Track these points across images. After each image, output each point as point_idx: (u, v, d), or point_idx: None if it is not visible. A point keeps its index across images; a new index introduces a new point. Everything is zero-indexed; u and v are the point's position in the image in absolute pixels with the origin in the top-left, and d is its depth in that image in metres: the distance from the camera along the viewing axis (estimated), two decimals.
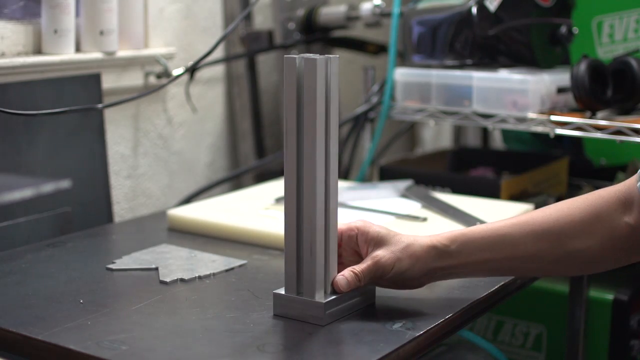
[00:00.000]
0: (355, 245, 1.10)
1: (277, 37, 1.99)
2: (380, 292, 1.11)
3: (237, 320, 1.04)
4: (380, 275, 1.06)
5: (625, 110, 1.56)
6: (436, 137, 2.54)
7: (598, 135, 1.53)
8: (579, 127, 1.54)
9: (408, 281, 1.08)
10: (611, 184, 1.64)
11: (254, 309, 1.07)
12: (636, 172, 1.10)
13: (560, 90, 1.65)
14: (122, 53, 1.63)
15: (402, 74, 1.79)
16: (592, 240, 1.09)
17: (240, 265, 1.25)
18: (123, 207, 1.72)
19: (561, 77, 1.65)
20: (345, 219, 1.37)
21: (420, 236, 1.09)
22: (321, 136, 1.00)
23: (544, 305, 1.69)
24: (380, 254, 1.06)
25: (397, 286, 1.09)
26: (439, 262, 1.07)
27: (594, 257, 1.10)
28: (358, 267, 1.06)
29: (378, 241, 1.08)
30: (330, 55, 1.01)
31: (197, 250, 1.31)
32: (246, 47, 1.94)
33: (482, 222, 1.39)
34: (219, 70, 1.95)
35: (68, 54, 1.51)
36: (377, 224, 1.10)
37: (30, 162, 1.47)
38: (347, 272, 1.06)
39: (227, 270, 1.22)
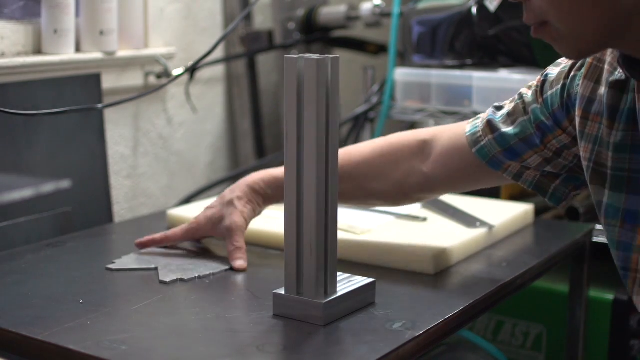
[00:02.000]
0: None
1: (277, 37, 1.99)
2: (380, 292, 1.11)
3: (237, 320, 1.04)
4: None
5: None
6: None
7: None
8: None
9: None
10: None
11: (254, 309, 1.07)
12: None
13: None
14: (122, 53, 1.63)
15: (402, 74, 1.79)
16: (387, 184, 1.23)
17: None
18: (123, 207, 1.72)
19: None
20: (345, 219, 1.38)
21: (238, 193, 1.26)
22: (321, 136, 1.00)
23: (544, 305, 1.69)
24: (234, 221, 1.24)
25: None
26: (263, 205, 1.28)
27: (388, 197, 1.25)
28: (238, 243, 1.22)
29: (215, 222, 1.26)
30: (331, 55, 1.01)
31: (197, 250, 1.31)
32: (246, 47, 1.94)
33: (482, 222, 1.40)
34: (219, 70, 1.95)
35: (68, 54, 1.51)
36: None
37: (30, 162, 1.47)
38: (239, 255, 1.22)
39: (226, 270, 1.22)
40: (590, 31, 0.87)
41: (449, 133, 1.19)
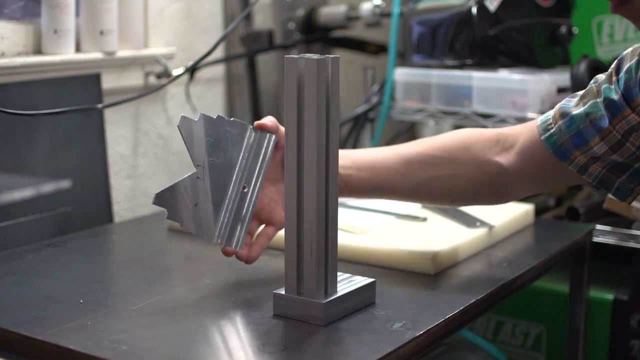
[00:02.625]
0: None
1: (277, 37, 1.99)
2: (380, 292, 1.11)
3: (237, 320, 1.04)
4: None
5: None
6: None
7: None
8: None
9: None
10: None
11: (254, 309, 1.07)
12: None
13: (560, 90, 1.65)
14: (122, 53, 1.63)
15: (402, 74, 1.79)
16: (458, 169, 1.18)
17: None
18: (123, 207, 1.72)
19: (561, 77, 1.65)
20: (346, 219, 1.37)
21: None
22: (321, 136, 1.00)
23: (544, 305, 1.69)
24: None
25: None
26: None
27: (459, 186, 1.19)
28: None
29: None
30: (331, 55, 1.01)
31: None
32: (246, 47, 1.94)
33: (482, 222, 1.40)
34: (219, 70, 1.95)
35: (68, 54, 1.51)
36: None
37: (30, 162, 1.47)
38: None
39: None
40: None
41: (529, 127, 1.17)
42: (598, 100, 1.09)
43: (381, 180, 1.19)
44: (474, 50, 1.70)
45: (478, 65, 1.71)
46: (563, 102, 1.15)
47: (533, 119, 1.58)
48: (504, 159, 1.17)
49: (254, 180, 1.12)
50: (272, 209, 1.17)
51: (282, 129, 1.12)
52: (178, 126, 1.07)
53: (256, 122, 1.13)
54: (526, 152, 1.15)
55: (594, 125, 1.09)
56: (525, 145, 1.15)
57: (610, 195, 1.57)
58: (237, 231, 1.11)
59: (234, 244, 1.11)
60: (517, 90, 1.62)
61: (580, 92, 1.14)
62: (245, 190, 1.11)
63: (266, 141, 1.13)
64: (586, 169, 1.12)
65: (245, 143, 1.12)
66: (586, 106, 1.10)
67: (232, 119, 1.11)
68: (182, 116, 1.07)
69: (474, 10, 1.67)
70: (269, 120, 1.14)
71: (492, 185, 1.18)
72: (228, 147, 1.11)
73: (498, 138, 1.18)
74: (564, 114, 1.12)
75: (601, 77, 1.12)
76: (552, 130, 1.12)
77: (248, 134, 1.12)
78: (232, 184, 1.10)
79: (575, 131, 1.10)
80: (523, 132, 1.17)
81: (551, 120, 1.13)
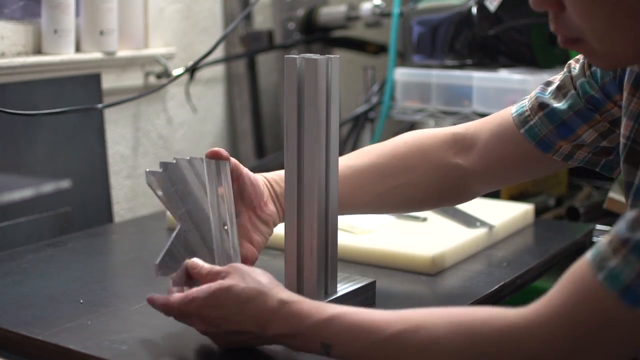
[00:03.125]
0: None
1: (277, 37, 1.99)
2: (380, 292, 1.11)
3: None
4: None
5: None
6: None
7: None
8: None
9: None
10: (612, 184, 1.64)
11: None
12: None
13: None
14: (122, 53, 1.63)
15: (402, 74, 1.79)
16: (417, 176, 1.12)
17: None
18: (123, 207, 1.72)
19: None
20: (346, 219, 1.37)
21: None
22: (321, 136, 1.00)
23: None
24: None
25: None
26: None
27: (419, 193, 1.13)
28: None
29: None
30: (331, 56, 1.01)
31: None
32: (246, 47, 1.94)
33: (482, 222, 1.39)
34: (219, 70, 1.95)
35: (68, 54, 1.51)
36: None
37: (30, 162, 1.47)
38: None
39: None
40: (627, 51, 0.83)
41: (492, 122, 1.11)
42: (574, 92, 1.05)
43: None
44: (474, 50, 1.70)
45: (478, 65, 1.71)
46: (538, 91, 1.08)
47: None
48: (465, 159, 1.12)
49: (228, 215, 1.04)
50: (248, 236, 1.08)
51: (233, 159, 1.06)
52: (148, 183, 1.01)
53: (208, 152, 1.05)
54: (491, 149, 1.10)
55: (579, 116, 1.05)
56: (495, 140, 1.10)
57: (610, 195, 1.57)
58: None
59: None
60: (517, 90, 1.62)
61: (555, 79, 1.09)
62: (226, 228, 1.04)
63: (222, 169, 1.05)
64: (571, 156, 1.07)
65: (207, 178, 1.05)
66: (567, 98, 1.05)
67: (189, 158, 1.04)
68: (146, 172, 1.00)
69: (474, 10, 1.67)
70: (219, 149, 1.06)
71: (453, 187, 1.13)
72: (196, 187, 1.04)
73: (454, 138, 1.12)
74: (542, 105, 1.06)
75: (574, 67, 1.06)
76: (531, 122, 1.07)
77: (205, 166, 1.05)
78: (213, 224, 1.03)
79: (560, 122, 1.05)
80: (484, 129, 1.11)
81: (529, 112, 1.07)
